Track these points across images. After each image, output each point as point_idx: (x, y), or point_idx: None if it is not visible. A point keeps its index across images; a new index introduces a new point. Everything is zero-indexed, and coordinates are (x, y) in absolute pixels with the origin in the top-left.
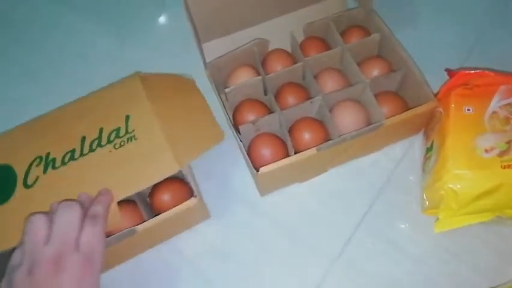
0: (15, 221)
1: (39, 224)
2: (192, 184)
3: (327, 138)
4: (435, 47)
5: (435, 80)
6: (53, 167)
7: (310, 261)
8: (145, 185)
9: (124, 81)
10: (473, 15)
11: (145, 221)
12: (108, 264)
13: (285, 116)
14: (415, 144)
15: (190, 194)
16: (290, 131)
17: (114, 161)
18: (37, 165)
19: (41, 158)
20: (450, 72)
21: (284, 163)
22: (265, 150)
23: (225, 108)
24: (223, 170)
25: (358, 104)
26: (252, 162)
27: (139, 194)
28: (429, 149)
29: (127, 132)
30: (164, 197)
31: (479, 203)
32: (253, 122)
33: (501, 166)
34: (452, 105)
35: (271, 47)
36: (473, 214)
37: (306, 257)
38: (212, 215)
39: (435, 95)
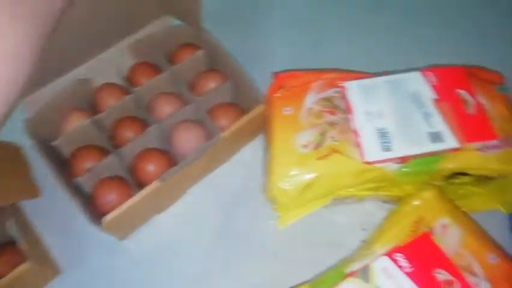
0: None
1: None
2: (24, 246)
3: (173, 164)
4: (264, 55)
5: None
6: None
7: None
8: None
9: None
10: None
11: None
12: None
13: (124, 154)
14: (260, 147)
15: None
16: (133, 166)
17: None
18: None
19: None
20: (275, 75)
21: (129, 204)
22: (109, 196)
23: (50, 163)
24: (73, 222)
25: (193, 124)
26: (98, 209)
27: None
28: (265, 152)
29: None
30: None
31: (308, 195)
32: (90, 170)
33: (316, 158)
34: (274, 107)
35: (105, 82)
36: (309, 203)
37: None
38: (66, 268)
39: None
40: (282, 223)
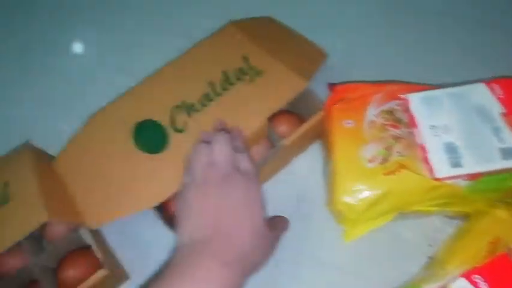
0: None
1: (204, 151)
2: (99, 253)
3: None
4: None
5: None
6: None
7: None
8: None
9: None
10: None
11: None
12: None
13: None
14: (317, 157)
15: (99, 262)
16: None
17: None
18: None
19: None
20: (330, 87)
21: None
22: None
23: None
24: (141, 232)
25: None
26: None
27: (44, 272)
28: (326, 163)
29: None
30: (69, 272)
31: (375, 210)
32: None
33: (383, 174)
34: (334, 120)
35: None
36: (376, 218)
37: None
38: (135, 275)
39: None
40: (347, 237)
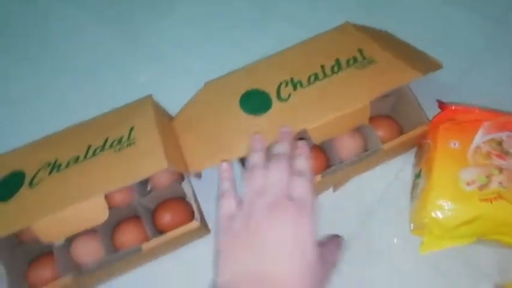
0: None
1: (257, 174)
2: (193, 205)
3: (326, 164)
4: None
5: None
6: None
7: None
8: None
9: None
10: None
11: (148, 236)
12: (115, 273)
13: None
14: (406, 167)
15: (191, 213)
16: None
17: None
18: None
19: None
20: (441, 105)
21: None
22: None
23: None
24: None
25: (356, 131)
26: None
27: (145, 211)
28: (417, 176)
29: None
30: (166, 216)
31: (460, 230)
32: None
33: (479, 199)
34: (440, 138)
35: None
36: (456, 238)
37: None
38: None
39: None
40: (424, 249)
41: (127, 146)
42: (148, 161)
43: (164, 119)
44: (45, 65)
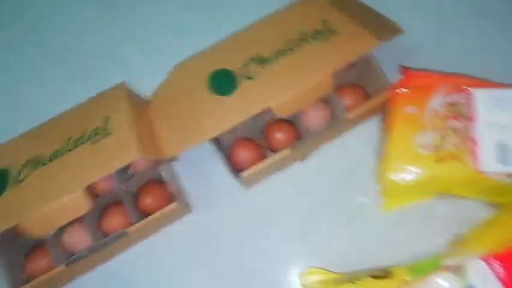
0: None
1: None
2: (173, 187)
3: (298, 135)
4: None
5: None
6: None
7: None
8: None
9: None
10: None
11: (132, 219)
12: (106, 257)
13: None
14: (374, 131)
15: (171, 195)
16: (266, 133)
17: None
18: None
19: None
20: (402, 70)
21: (263, 164)
22: (244, 154)
23: None
24: (206, 170)
25: (322, 102)
26: (233, 164)
27: (128, 195)
28: (381, 140)
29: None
30: (147, 199)
31: (419, 190)
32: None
33: (434, 160)
34: (398, 103)
35: None
36: (414, 196)
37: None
38: (196, 209)
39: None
40: (385, 207)
41: (104, 136)
42: (123, 151)
43: (139, 105)
44: (28, 51)
